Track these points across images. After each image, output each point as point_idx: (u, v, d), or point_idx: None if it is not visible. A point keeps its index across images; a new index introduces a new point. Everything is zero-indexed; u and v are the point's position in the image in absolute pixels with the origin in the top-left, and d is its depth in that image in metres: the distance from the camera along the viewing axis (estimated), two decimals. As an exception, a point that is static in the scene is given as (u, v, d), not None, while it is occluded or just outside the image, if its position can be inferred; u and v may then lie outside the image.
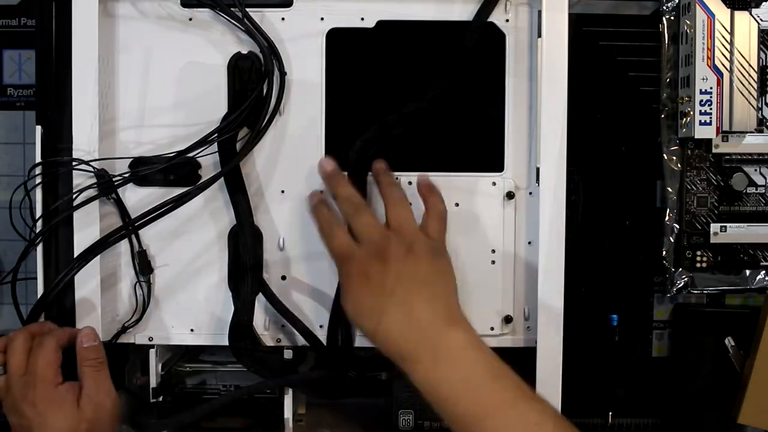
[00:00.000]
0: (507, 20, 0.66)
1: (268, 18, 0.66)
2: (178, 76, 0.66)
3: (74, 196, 0.63)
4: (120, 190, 0.65)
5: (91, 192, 0.63)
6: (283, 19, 0.66)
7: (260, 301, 0.66)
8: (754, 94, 0.69)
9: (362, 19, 0.66)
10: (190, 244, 0.66)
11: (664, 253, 0.72)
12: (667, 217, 0.72)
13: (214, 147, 0.64)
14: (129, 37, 0.65)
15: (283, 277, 0.67)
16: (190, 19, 0.66)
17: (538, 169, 0.65)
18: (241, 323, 0.65)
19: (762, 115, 0.71)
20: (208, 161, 0.65)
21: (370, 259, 0.57)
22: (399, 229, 0.59)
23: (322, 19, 0.66)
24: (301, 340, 0.66)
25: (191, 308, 0.67)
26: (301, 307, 0.67)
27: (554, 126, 0.64)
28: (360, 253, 0.58)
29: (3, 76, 0.76)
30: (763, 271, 0.73)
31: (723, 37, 0.68)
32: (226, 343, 0.66)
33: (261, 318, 0.67)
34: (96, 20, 0.62)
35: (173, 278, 0.67)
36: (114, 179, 0.64)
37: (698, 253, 0.72)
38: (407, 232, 0.59)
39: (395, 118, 0.65)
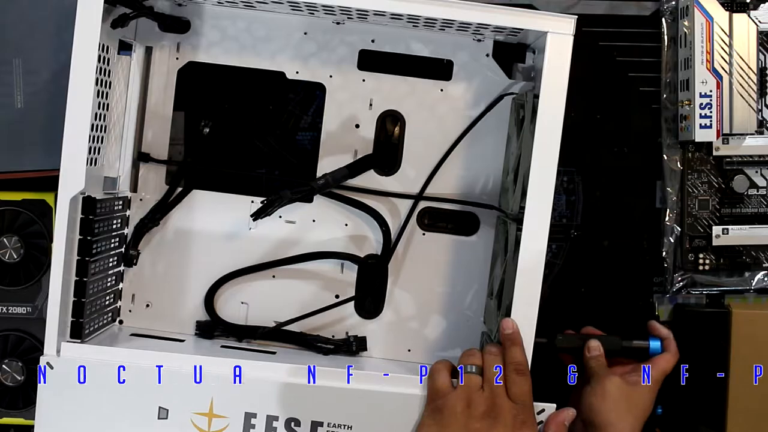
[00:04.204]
0: None
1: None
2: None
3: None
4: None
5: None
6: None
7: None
8: (754, 96, 0.68)
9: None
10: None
11: (664, 253, 0.72)
12: (666, 218, 0.72)
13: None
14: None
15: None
16: None
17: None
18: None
19: (762, 116, 0.71)
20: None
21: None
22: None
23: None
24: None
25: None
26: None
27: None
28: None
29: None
30: (762, 272, 0.72)
31: (722, 39, 0.67)
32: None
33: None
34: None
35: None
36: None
37: (701, 256, 0.72)
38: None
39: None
